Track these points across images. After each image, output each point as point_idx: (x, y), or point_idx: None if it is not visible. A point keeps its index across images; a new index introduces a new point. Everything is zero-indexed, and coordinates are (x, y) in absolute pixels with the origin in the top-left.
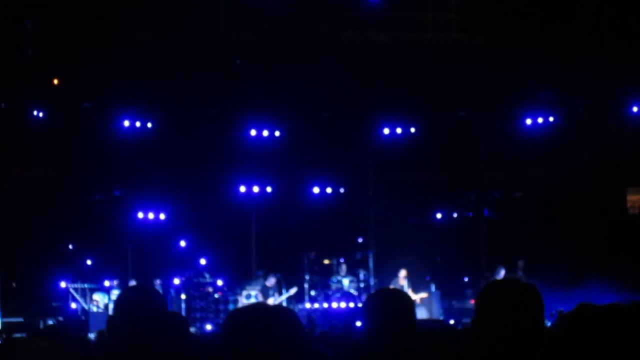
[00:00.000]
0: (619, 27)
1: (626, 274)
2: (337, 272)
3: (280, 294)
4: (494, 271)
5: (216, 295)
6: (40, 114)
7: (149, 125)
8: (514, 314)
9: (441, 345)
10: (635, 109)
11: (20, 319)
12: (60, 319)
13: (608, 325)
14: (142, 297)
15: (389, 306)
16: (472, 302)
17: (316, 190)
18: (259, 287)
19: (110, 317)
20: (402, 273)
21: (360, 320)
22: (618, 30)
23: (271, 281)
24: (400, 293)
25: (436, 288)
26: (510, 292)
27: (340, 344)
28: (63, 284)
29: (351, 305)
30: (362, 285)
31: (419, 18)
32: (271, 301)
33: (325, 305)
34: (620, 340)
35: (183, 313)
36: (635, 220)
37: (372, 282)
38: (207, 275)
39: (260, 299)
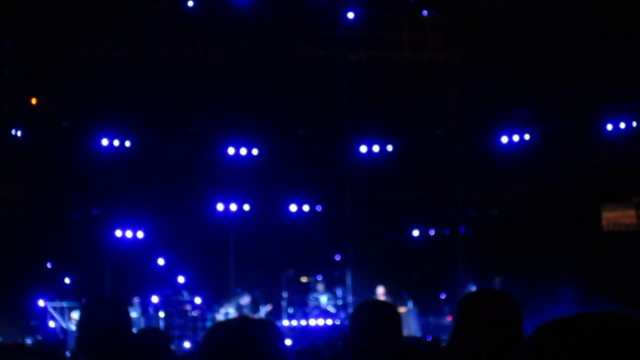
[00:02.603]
0: (595, 45)
1: (601, 290)
2: (315, 290)
3: (256, 311)
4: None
5: (194, 313)
6: (19, 133)
7: (127, 143)
8: (492, 324)
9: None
10: (610, 126)
11: None
12: (39, 337)
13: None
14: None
15: (376, 317)
16: (449, 318)
17: (293, 208)
18: (235, 305)
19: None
20: (380, 290)
21: (344, 334)
22: (594, 49)
23: (245, 299)
24: (385, 304)
25: (414, 305)
26: (488, 302)
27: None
28: (41, 303)
29: (329, 322)
30: (339, 302)
31: (395, 37)
32: None
33: (304, 322)
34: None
35: None
36: (610, 237)
37: (349, 299)
38: (185, 293)
39: None
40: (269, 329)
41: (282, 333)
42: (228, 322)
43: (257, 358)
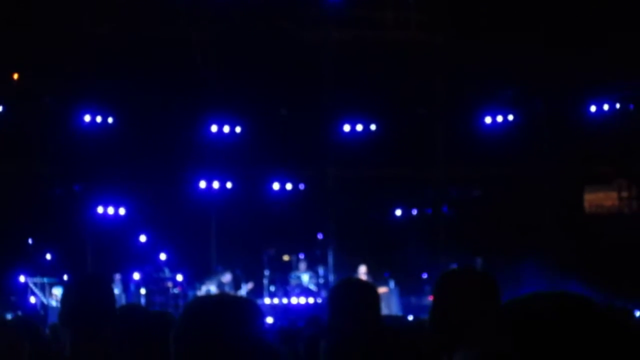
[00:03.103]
0: (579, 26)
1: (582, 272)
2: (297, 268)
3: (237, 289)
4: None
5: (175, 291)
6: (0, 108)
7: (110, 120)
8: (470, 303)
9: (403, 339)
10: (593, 108)
11: None
12: (19, 313)
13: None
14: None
15: (354, 296)
16: (431, 298)
17: (276, 186)
18: (216, 283)
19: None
20: (362, 269)
21: (325, 312)
22: (578, 29)
23: (227, 277)
24: (365, 283)
25: (395, 284)
26: (466, 281)
27: (300, 337)
28: (22, 278)
29: (310, 301)
30: (321, 281)
31: (379, 16)
32: None
33: (285, 300)
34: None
35: None
36: (591, 219)
37: (331, 278)
38: (166, 270)
39: None
40: (247, 307)
41: (261, 311)
42: (205, 298)
43: (233, 335)
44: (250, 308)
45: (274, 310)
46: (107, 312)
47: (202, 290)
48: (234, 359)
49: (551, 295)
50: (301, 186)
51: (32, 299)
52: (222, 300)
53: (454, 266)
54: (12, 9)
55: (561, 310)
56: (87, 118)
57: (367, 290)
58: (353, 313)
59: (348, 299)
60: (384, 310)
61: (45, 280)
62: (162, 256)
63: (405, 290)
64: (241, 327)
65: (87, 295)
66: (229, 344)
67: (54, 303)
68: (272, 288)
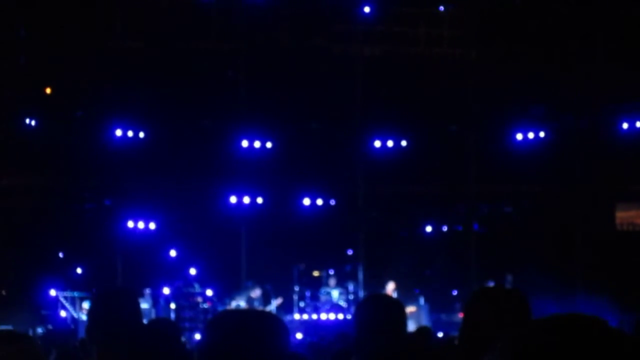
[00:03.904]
0: (611, 43)
1: (613, 289)
2: (327, 284)
3: (267, 305)
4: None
5: (205, 305)
6: (33, 122)
7: (141, 135)
8: (500, 320)
9: (431, 353)
10: (625, 125)
11: (10, 327)
12: (50, 327)
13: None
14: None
15: (379, 311)
16: (461, 315)
17: (307, 201)
18: (245, 298)
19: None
20: (391, 286)
21: (351, 329)
22: (610, 47)
23: (256, 292)
24: (391, 299)
25: (425, 301)
26: (497, 298)
27: (329, 353)
28: (53, 292)
29: (340, 317)
30: (351, 297)
31: (412, 33)
32: None
33: (315, 316)
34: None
35: None
36: (623, 237)
37: (361, 294)
38: (196, 285)
39: None
40: (271, 322)
41: (286, 328)
42: (230, 313)
43: (255, 350)
44: (273, 323)
45: (303, 325)
46: (133, 325)
47: (232, 305)
48: None
49: (568, 319)
50: (332, 202)
51: (63, 313)
52: (245, 314)
53: (488, 284)
54: (45, 25)
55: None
56: (119, 132)
57: (393, 307)
58: (378, 329)
59: (373, 315)
60: (414, 328)
61: (76, 294)
62: (192, 271)
63: (436, 307)
64: (263, 343)
65: (112, 309)
66: (253, 354)
67: (83, 317)
68: (302, 304)
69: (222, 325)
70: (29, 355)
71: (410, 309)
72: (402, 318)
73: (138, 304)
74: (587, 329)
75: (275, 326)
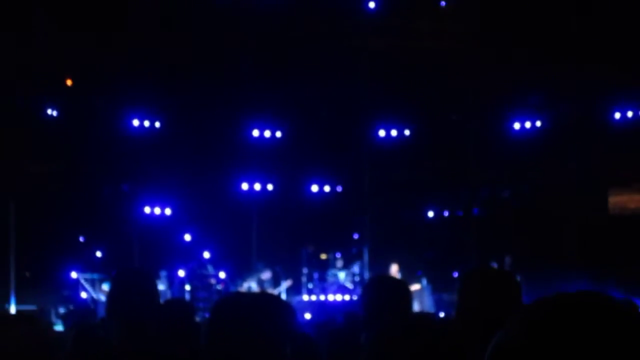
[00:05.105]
0: (607, 34)
1: (607, 273)
2: (334, 266)
3: (277, 286)
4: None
5: (219, 287)
6: (54, 113)
7: (157, 124)
8: (491, 300)
9: (433, 332)
10: (617, 114)
11: (34, 307)
12: (71, 307)
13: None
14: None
15: (385, 291)
16: None
17: (315, 188)
18: (256, 279)
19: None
20: (394, 267)
21: (357, 308)
22: (605, 36)
23: (266, 274)
24: (398, 280)
25: (427, 282)
26: (487, 279)
27: (335, 332)
28: (74, 274)
29: (347, 297)
30: (357, 278)
31: (415, 26)
32: None
33: (322, 297)
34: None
35: None
36: (615, 221)
37: (366, 275)
38: (210, 268)
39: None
40: (276, 303)
41: (292, 312)
42: (236, 295)
43: (259, 331)
44: (279, 306)
45: (311, 306)
46: (150, 303)
47: (243, 287)
48: (261, 349)
49: (571, 295)
50: (338, 188)
51: (83, 294)
52: (251, 296)
53: (494, 264)
54: (63, 15)
55: (578, 307)
56: (136, 122)
57: (397, 286)
58: (385, 307)
59: (379, 294)
60: (417, 307)
61: (95, 276)
62: (206, 254)
63: (437, 288)
64: (268, 321)
65: (130, 288)
66: (257, 334)
67: (102, 298)
68: (310, 285)
69: (226, 308)
70: (31, 340)
71: (414, 287)
72: (407, 296)
73: (155, 284)
74: (607, 305)
75: (280, 308)
